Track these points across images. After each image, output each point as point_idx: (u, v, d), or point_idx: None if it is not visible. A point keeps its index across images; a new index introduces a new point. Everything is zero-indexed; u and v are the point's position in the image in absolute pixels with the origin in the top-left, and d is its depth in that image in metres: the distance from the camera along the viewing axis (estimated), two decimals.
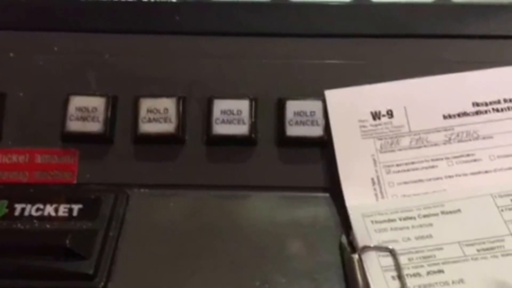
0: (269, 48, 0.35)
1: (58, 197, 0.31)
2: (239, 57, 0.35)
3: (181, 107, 0.33)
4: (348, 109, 0.32)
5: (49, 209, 0.31)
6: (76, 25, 0.36)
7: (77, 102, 0.33)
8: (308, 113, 0.33)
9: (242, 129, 0.33)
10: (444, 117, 0.32)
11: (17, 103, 0.34)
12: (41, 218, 0.30)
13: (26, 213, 0.31)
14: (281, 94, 0.34)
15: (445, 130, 0.32)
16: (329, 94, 0.33)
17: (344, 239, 0.30)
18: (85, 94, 0.33)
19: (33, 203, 0.31)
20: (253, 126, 0.33)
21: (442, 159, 0.31)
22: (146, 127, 0.33)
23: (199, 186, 0.33)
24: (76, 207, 0.31)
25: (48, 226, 0.30)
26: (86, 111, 0.33)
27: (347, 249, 0.29)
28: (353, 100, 0.33)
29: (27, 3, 0.36)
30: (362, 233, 0.29)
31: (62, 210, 0.31)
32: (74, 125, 0.33)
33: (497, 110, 0.32)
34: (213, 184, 0.33)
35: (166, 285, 0.28)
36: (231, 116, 0.33)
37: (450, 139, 0.32)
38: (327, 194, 0.32)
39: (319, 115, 0.33)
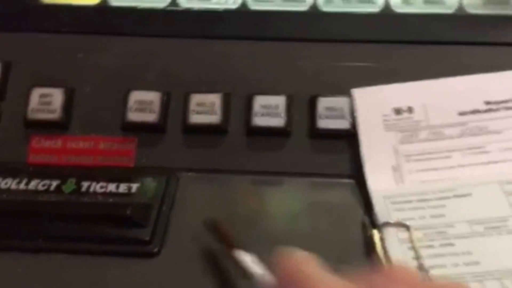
0: (304, 52, 0.40)
1: (118, 177, 0.36)
2: (277, 59, 0.40)
3: (225, 102, 0.38)
4: (373, 105, 0.36)
5: (111, 187, 0.36)
6: (135, 30, 0.41)
7: (136, 96, 0.38)
8: (337, 109, 0.37)
9: (278, 122, 0.37)
10: (459, 113, 0.36)
11: (84, 97, 0.39)
12: (104, 194, 0.35)
13: (91, 190, 0.35)
14: (313, 92, 0.38)
15: (460, 125, 0.36)
16: (356, 91, 0.37)
17: (366, 219, 0.34)
18: (143, 89, 0.38)
19: (97, 181, 0.36)
20: (288, 120, 0.37)
21: (456, 150, 0.35)
22: (195, 119, 0.38)
23: (239, 172, 0.37)
24: (134, 186, 0.36)
25: (110, 200, 0.35)
26: (143, 104, 0.38)
27: (369, 226, 0.33)
28: (378, 97, 0.37)
29: (93, 10, 0.41)
30: (383, 212, 0.33)
31: (122, 188, 0.36)
32: (133, 116, 0.38)
33: (507, 108, 0.36)
34: (252, 170, 0.37)
35: (210, 250, 0.33)
36: (269, 110, 0.38)
37: (463, 133, 0.36)
38: (353, 181, 0.36)
39: (347, 110, 0.37)
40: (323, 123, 0.37)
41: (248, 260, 0.29)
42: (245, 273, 0.29)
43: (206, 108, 0.38)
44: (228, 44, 0.40)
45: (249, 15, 0.41)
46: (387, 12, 0.41)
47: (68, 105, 0.38)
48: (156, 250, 0.33)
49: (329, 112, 0.37)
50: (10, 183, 0.35)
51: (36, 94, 0.37)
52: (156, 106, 0.38)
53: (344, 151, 0.37)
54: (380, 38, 0.39)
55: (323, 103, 0.37)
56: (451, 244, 0.31)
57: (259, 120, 0.37)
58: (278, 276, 0.26)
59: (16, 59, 0.39)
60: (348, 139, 0.37)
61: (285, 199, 0.37)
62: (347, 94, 0.37)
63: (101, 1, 0.41)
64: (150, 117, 0.38)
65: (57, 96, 0.37)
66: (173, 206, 0.35)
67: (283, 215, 0.36)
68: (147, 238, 0.33)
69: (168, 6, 0.42)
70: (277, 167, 0.37)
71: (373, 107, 0.36)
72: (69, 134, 0.38)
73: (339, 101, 0.37)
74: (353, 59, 0.39)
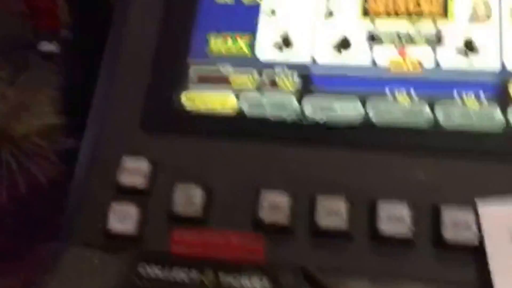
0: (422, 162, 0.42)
1: (250, 270, 0.39)
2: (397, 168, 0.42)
3: (350, 207, 0.40)
4: (499, 218, 0.38)
5: (244, 280, 0.38)
6: (267, 137, 0.45)
7: (266, 196, 0.41)
8: (463, 221, 0.39)
9: (403, 230, 0.39)
10: None
11: (220, 195, 0.42)
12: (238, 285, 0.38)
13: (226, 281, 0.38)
14: (435, 201, 0.40)
15: None
16: (481, 205, 0.39)
17: None
18: (273, 190, 0.42)
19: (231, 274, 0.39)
20: (413, 229, 0.39)
21: None
22: (321, 222, 0.40)
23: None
24: (264, 278, 0.38)
25: None
26: (273, 204, 0.41)
27: None
28: (504, 209, 0.38)
29: (231, 118, 0.46)
30: None
31: (254, 280, 0.38)
32: (263, 215, 0.41)
33: None
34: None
35: None
36: (394, 218, 0.40)
37: None
38: None
39: (472, 222, 0.39)
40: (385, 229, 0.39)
41: None
42: None
43: (332, 212, 0.41)
44: (350, 153, 0.43)
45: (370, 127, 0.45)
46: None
47: (207, 202, 0.42)
48: None
49: (454, 223, 0.39)
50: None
51: (179, 191, 0.42)
52: (285, 207, 0.41)
53: (470, 263, 0.38)
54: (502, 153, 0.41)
55: (447, 213, 0.39)
56: None
57: (385, 227, 0.39)
58: None
59: (162, 159, 0.44)
60: (474, 251, 0.38)
61: None
62: (469, 203, 0.39)
63: (238, 112, 0.46)
64: (279, 217, 0.41)
65: (197, 194, 0.42)
66: None
67: None
68: None
69: (295, 116, 0.45)
70: (401, 275, 0.39)
71: (499, 220, 0.38)
72: (206, 228, 0.41)
73: (463, 213, 0.39)
74: (473, 173, 0.41)
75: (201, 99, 0.47)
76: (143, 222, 0.41)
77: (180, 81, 0.47)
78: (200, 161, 0.44)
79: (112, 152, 0.44)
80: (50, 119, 0.61)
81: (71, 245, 0.41)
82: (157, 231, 0.41)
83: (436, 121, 0.43)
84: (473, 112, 0.43)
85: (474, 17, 0.46)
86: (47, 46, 0.59)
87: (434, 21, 0.46)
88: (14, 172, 0.52)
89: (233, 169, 0.43)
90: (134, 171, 0.42)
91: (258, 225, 0.41)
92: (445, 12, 0.46)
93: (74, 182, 0.44)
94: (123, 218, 0.40)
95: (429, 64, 0.45)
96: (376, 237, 0.39)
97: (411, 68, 0.45)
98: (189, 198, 0.41)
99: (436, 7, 0.47)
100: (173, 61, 0.48)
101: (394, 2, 0.48)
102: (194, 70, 0.48)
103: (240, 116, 0.45)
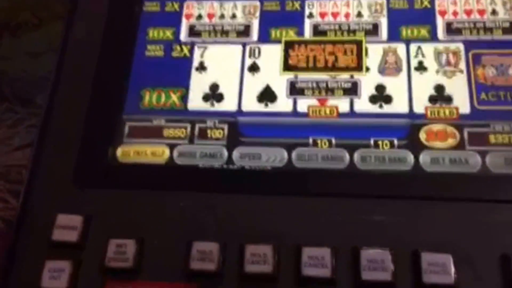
0: (342, 206, 0.45)
1: None
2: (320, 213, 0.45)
3: (276, 253, 0.42)
4: None
5: None
6: (196, 186, 0.47)
7: (197, 246, 0.43)
8: (379, 261, 0.41)
9: (325, 272, 0.41)
10: None
11: (151, 246, 0.44)
12: None
13: None
14: (355, 244, 0.42)
15: None
16: None
17: None
18: (203, 240, 0.43)
19: None
20: (332, 270, 0.41)
21: None
22: (249, 268, 0.42)
23: None
24: None
25: None
26: (204, 254, 0.43)
27: None
28: None
29: (161, 168, 0.48)
30: None
31: None
32: (194, 265, 0.42)
33: None
34: None
35: None
36: (316, 261, 0.42)
37: None
38: None
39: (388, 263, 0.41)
40: (367, 275, 0.41)
41: None
42: None
43: (259, 258, 0.43)
44: (277, 199, 0.46)
45: (293, 173, 0.47)
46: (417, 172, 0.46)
47: (139, 254, 0.43)
48: None
49: (372, 264, 0.41)
50: None
51: (113, 245, 0.43)
52: (215, 256, 0.43)
53: None
54: (411, 194, 0.44)
55: (365, 255, 0.42)
56: None
57: (308, 270, 0.42)
58: None
59: (95, 213, 0.45)
60: None
61: None
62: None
63: (168, 161, 0.48)
64: (210, 265, 0.43)
65: (130, 246, 0.43)
66: None
67: None
68: None
69: (224, 164, 0.48)
70: None
71: None
72: (139, 281, 0.42)
73: (381, 254, 0.41)
74: (387, 213, 0.44)
75: (135, 152, 0.48)
76: (76, 277, 0.43)
77: (114, 136, 0.49)
78: (133, 213, 0.45)
79: (45, 210, 0.45)
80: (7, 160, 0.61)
81: None
82: (90, 285, 0.42)
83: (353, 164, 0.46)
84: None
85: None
86: None
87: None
88: None
89: (164, 220, 0.45)
90: (68, 227, 0.43)
91: (190, 275, 0.42)
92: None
93: (8, 241, 0.45)
94: (56, 275, 0.41)
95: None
96: (301, 280, 0.41)
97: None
98: (122, 251, 0.43)
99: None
100: (107, 117, 0.50)
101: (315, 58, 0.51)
102: (128, 125, 0.50)
103: (170, 165, 0.47)
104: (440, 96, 0.48)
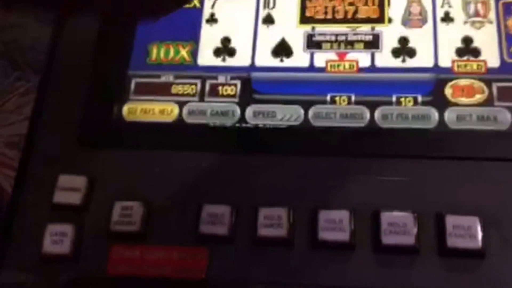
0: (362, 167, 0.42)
1: None
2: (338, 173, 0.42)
3: (291, 215, 0.40)
4: None
5: None
6: (207, 145, 0.44)
7: (207, 209, 0.41)
8: (401, 224, 0.39)
9: (343, 236, 0.39)
10: None
11: (159, 209, 0.42)
12: None
13: None
14: (376, 207, 0.40)
15: None
16: None
17: None
18: (214, 203, 0.41)
19: None
20: (352, 234, 0.39)
21: None
22: (263, 232, 0.40)
23: (305, 285, 0.39)
24: None
25: None
26: (214, 217, 0.41)
27: None
28: None
29: (170, 126, 0.45)
30: None
31: None
32: (204, 228, 0.40)
33: None
34: (317, 283, 0.39)
35: None
36: (334, 224, 0.40)
37: None
38: None
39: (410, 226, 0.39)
40: (387, 239, 0.39)
41: None
42: None
43: (273, 221, 0.40)
44: (292, 159, 0.43)
45: (310, 131, 0.44)
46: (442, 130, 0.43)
47: (146, 218, 0.41)
48: None
49: (393, 228, 0.39)
50: None
51: (118, 207, 0.41)
52: (226, 219, 0.40)
53: (409, 268, 0.38)
54: (435, 153, 0.42)
55: (387, 218, 0.39)
56: None
57: (325, 234, 0.39)
58: None
59: (100, 174, 0.43)
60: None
61: None
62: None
63: (177, 119, 0.45)
64: (221, 229, 0.40)
65: (136, 209, 0.41)
66: None
67: None
68: None
69: (236, 122, 0.45)
70: (341, 281, 0.38)
71: None
72: (146, 245, 0.40)
73: (403, 217, 0.39)
74: (410, 173, 0.41)
75: (142, 110, 0.46)
76: (80, 242, 0.41)
77: (120, 93, 0.46)
78: (140, 175, 0.43)
79: (48, 170, 0.43)
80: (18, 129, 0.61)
81: (3, 269, 0.40)
82: (95, 250, 0.40)
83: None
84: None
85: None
86: None
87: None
88: None
89: (173, 182, 0.43)
90: (70, 188, 0.41)
91: (200, 239, 0.40)
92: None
93: (8, 204, 0.43)
94: (58, 239, 0.39)
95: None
96: (316, 245, 0.39)
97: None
98: (128, 214, 0.40)
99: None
100: (112, 73, 0.47)
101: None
102: (134, 81, 0.47)
103: (178, 123, 0.45)
104: (467, 48, 0.45)
